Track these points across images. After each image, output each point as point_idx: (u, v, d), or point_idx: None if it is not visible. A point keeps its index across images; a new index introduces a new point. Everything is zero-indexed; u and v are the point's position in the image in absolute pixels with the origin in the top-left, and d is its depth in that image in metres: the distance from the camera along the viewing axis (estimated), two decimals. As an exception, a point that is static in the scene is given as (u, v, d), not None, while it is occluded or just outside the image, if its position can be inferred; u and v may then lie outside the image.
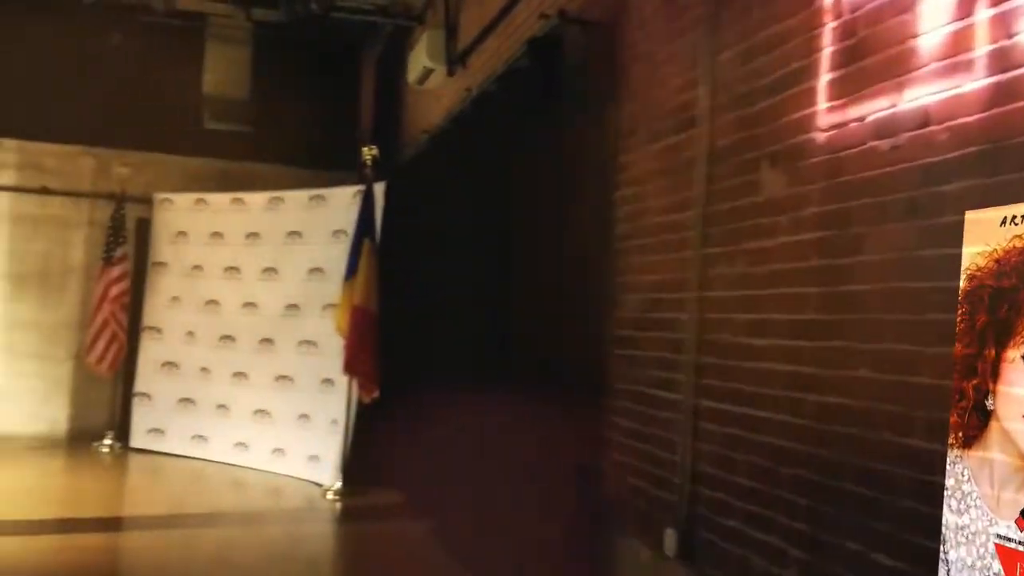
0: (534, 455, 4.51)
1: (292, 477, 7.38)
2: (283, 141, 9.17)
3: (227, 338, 8.13)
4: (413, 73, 7.85)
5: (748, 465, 3.22)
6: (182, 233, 8.57)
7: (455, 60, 7.18)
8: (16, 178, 8.93)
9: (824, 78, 2.93)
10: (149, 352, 8.54)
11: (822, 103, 2.94)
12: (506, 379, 5.10)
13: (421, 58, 7.46)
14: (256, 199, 8.26)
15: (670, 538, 3.62)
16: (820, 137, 2.93)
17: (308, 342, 7.62)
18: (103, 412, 8.60)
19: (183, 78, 9.07)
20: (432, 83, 7.68)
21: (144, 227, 8.84)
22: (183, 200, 8.63)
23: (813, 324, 2.89)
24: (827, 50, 2.92)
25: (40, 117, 8.83)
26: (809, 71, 3.00)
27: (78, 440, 8.66)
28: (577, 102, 4.50)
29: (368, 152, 6.95)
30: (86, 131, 8.95)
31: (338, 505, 6.66)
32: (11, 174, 8.93)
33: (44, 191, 8.95)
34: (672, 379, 3.76)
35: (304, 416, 7.51)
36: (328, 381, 7.33)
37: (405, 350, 6.95)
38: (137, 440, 8.41)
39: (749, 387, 3.20)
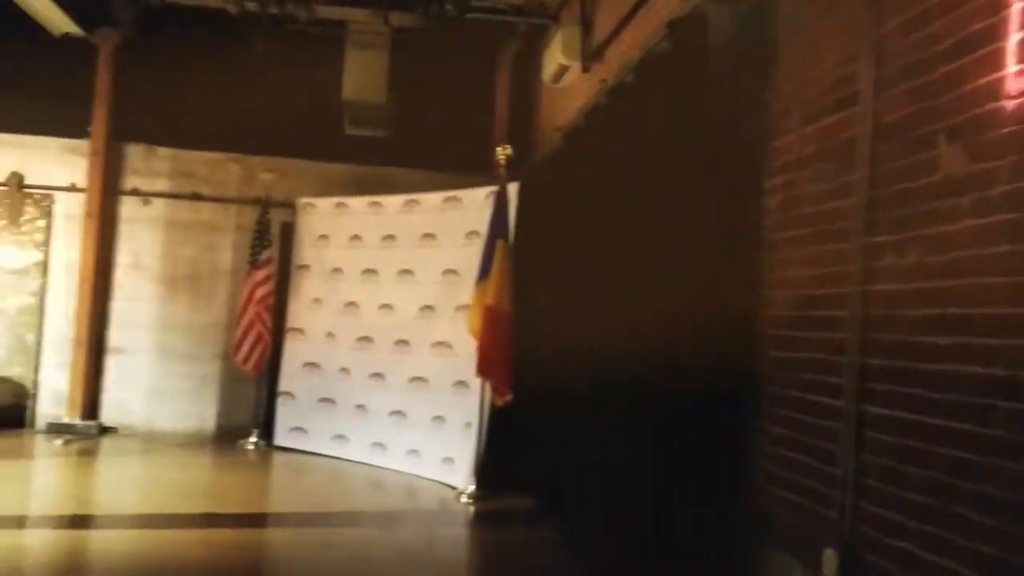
0: (675, 461, 4.24)
1: (427, 479, 7.35)
2: (419, 144, 9.21)
3: (365, 339, 8.21)
4: (548, 71, 7.72)
5: (922, 479, 2.86)
6: (324, 236, 8.72)
7: (590, 56, 7.00)
8: (169, 185, 9.34)
9: (1014, 38, 2.56)
10: (292, 352, 8.73)
11: (1011, 66, 2.57)
12: (643, 382, 4.85)
13: (556, 56, 7.32)
14: (392, 202, 8.31)
15: (830, 560, 3.29)
16: (1009, 105, 2.56)
17: (442, 343, 7.59)
18: (248, 410, 8.86)
19: (323, 85, 9.24)
20: (567, 80, 7.52)
21: (288, 231, 9.06)
22: (324, 204, 8.79)
23: (1005, 320, 2.52)
24: (1018, 5, 2.55)
25: (190, 126, 9.22)
26: (995, 31, 2.63)
27: (225, 437, 8.94)
28: (723, 85, 4.21)
29: (502, 152, 6.84)
30: (233, 139, 9.28)
31: (471, 508, 6.56)
32: (165, 181, 9.34)
33: (195, 197, 9.32)
34: (831, 383, 3.42)
35: (439, 418, 7.47)
36: (462, 383, 7.26)
37: (540, 352, 6.80)
38: (281, 438, 8.61)
39: (925, 392, 2.85)
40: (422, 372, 7.71)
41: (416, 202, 8.12)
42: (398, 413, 7.83)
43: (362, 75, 8.56)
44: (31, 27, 8.30)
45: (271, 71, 9.19)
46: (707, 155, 4.24)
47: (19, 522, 5.42)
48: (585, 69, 7.01)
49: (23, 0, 7.77)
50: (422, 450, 7.56)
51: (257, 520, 6.08)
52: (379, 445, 7.93)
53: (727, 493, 4.17)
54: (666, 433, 4.30)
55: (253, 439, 8.64)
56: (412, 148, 9.19)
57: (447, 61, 9.29)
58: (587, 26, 7.11)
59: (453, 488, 6.95)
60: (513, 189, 6.98)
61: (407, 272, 8.02)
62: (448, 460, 7.23)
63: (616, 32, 6.21)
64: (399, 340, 7.94)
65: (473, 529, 6.36)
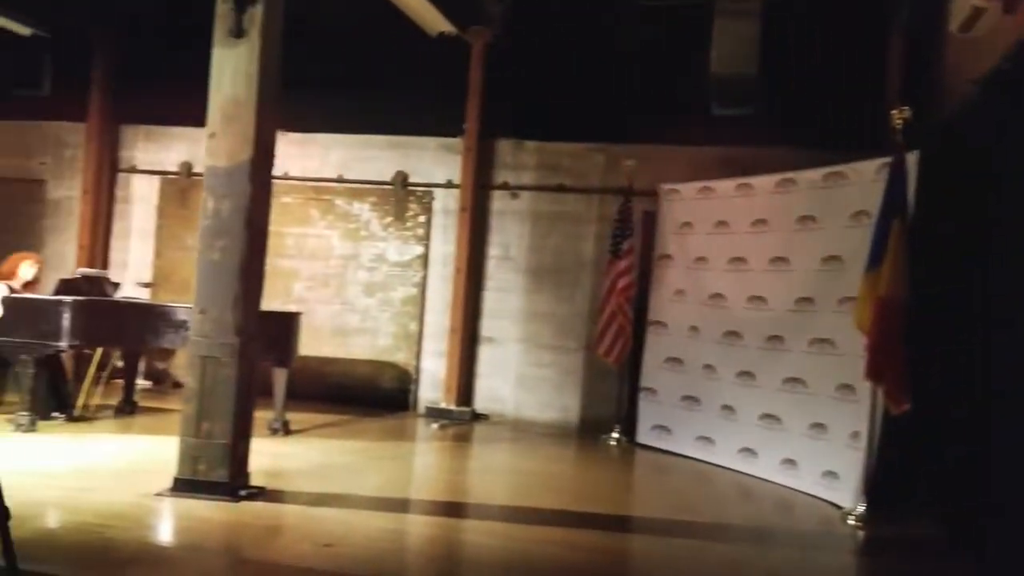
0: None
1: (804, 493, 6.55)
2: (792, 120, 8.35)
3: (732, 334, 7.57)
4: (957, 20, 6.50)
5: None
6: (687, 224, 8.23)
7: (1014, -7, 5.72)
8: (535, 178, 9.42)
9: None
10: (654, 346, 8.35)
11: None
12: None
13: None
14: (764, 183, 7.57)
15: None
16: None
17: (822, 340, 6.71)
18: (610, 404, 8.63)
19: (687, 66, 8.73)
20: (982, 27, 6.26)
21: (650, 220, 8.70)
22: (688, 190, 8.29)
23: None
24: None
25: (556, 118, 9.21)
26: None
27: (587, 430, 8.82)
28: None
29: (899, 116, 5.81)
30: (597, 128, 9.12)
31: (860, 533, 5.66)
32: (531, 174, 9.43)
33: (560, 189, 9.30)
34: None
35: (818, 425, 6.61)
36: (847, 387, 6.34)
37: (945, 353, 5.70)
38: (643, 436, 8.28)
39: None
40: (798, 373, 6.90)
41: (791, 181, 7.30)
42: (770, 417, 7.09)
43: (731, 47, 7.89)
44: (409, 29, 8.75)
45: (634, 56, 8.89)
46: None
47: (399, 505, 5.57)
48: (1008, 9, 5.74)
49: (401, 2, 8.19)
50: (799, 460, 6.76)
51: (621, 523, 5.75)
52: (748, 451, 7.26)
53: None
54: None
55: (615, 434, 8.39)
56: (784, 125, 8.34)
57: (827, 27, 8.32)
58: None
59: (837, 507, 6.08)
60: (912, 159, 5.93)
61: (781, 260, 7.24)
62: (830, 474, 6.36)
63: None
64: (771, 336, 7.20)
65: (864, 558, 5.46)
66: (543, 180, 9.40)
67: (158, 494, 5.12)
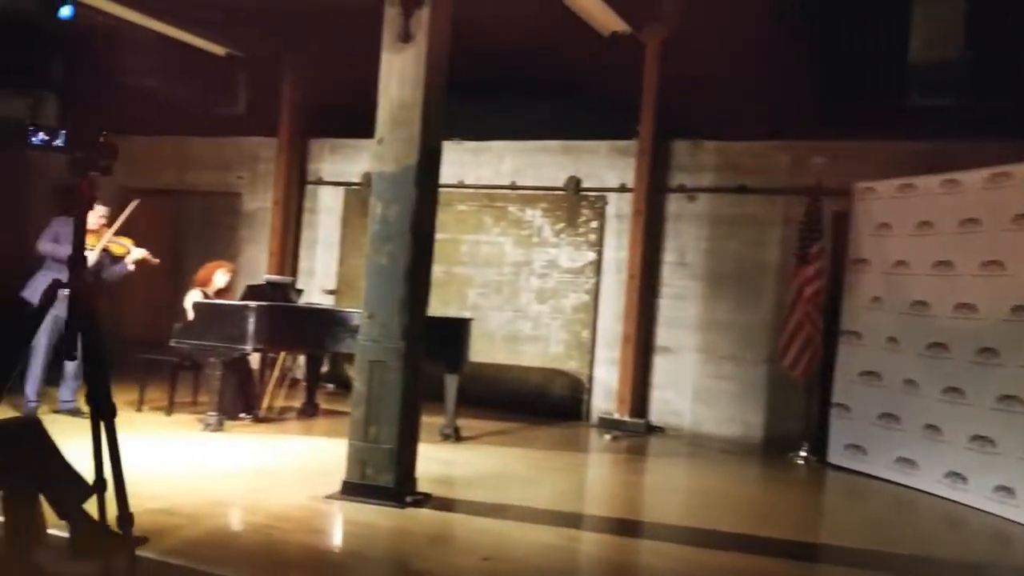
0: None
1: (1022, 525, 5.78)
2: (1005, 110, 7.47)
3: (937, 346, 6.84)
4: None
5: None
6: (884, 225, 7.53)
7: None
8: (715, 179, 8.98)
9: None
10: (847, 359, 7.70)
11: None
12: None
13: None
14: (973, 178, 6.80)
15: None
16: None
17: (1046, 354, 5.92)
18: (797, 420, 8.05)
19: (883, 52, 8.04)
20: None
21: (841, 221, 8.06)
22: (885, 188, 7.59)
23: None
24: None
25: (737, 116, 8.73)
26: None
27: (770, 448, 8.28)
28: None
29: None
30: (783, 124, 8.56)
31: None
32: (710, 176, 9.00)
33: (741, 190, 8.81)
34: None
35: (1042, 450, 5.83)
36: (1077, 407, 5.55)
37: None
38: (834, 456, 7.65)
39: None
40: (1015, 390, 6.12)
41: (1007, 175, 6.50)
42: (983, 439, 6.33)
43: (934, 29, 7.18)
44: (580, 30, 8.56)
45: (821, 45, 8.28)
46: None
47: (567, 520, 5.33)
48: None
49: (574, 3, 8.01)
50: (1016, 488, 5.98)
51: (811, 552, 5.26)
52: (956, 476, 6.51)
53: None
54: None
55: (803, 453, 7.81)
56: (995, 114, 7.48)
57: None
58: None
59: (1066, 544, 5.32)
60: None
61: (994, 264, 6.47)
62: (1057, 506, 5.58)
63: None
64: (983, 348, 6.43)
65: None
66: (722, 181, 8.94)
67: (328, 497, 5.15)
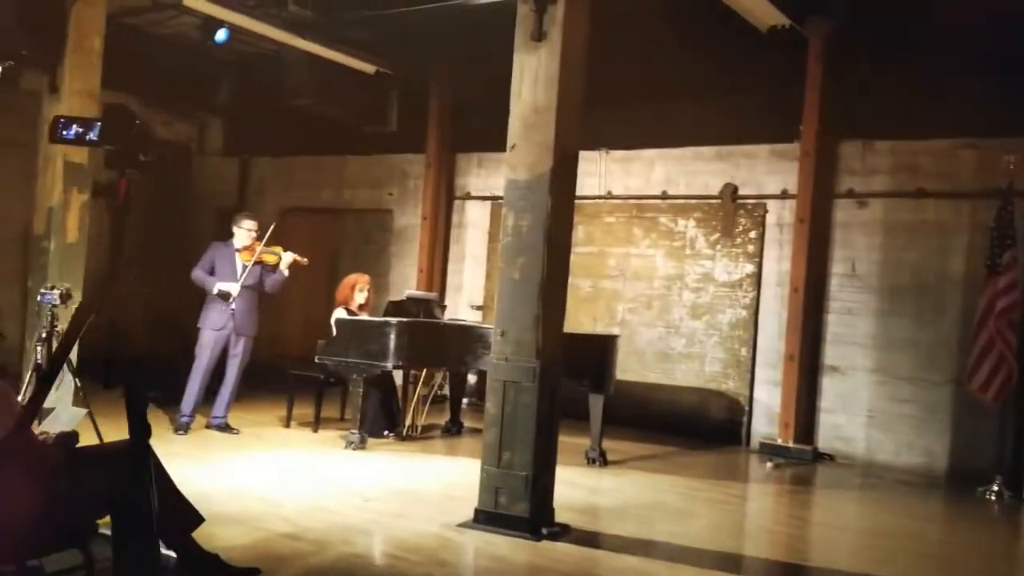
0: None
1: None
2: None
3: None
4: None
5: None
6: (1091, 229, 6.57)
7: None
8: (889, 183, 8.17)
9: None
10: (1047, 382, 6.76)
11: None
12: None
13: None
14: None
15: None
16: None
17: None
18: (988, 450, 7.15)
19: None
20: None
21: (1038, 227, 7.11)
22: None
23: None
24: None
25: (912, 113, 7.91)
26: None
27: (957, 481, 7.39)
28: None
29: None
30: (966, 120, 7.67)
31: None
32: (883, 179, 8.20)
33: (920, 194, 7.97)
34: None
35: None
36: None
37: None
38: (1033, 491, 6.72)
39: None
40: None
41: None
42: None
43: None
44: (736, 27, 7.99)
45: (1007, 26, 7.35)
46: None
47: (721, 561, 4.79)
48: None
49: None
50: None
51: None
52: None
53: None
54: None
55: (996, 487, 6.90)
56: None
57: None
58: None
59: None
60: None
61: None
62: None
63: None
64: None
65: None
66: (898, 185, 8.11)
67: (460, 525, 4.88)
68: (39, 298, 4.73)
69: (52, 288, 4.74)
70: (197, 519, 3.20)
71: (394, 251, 11.22)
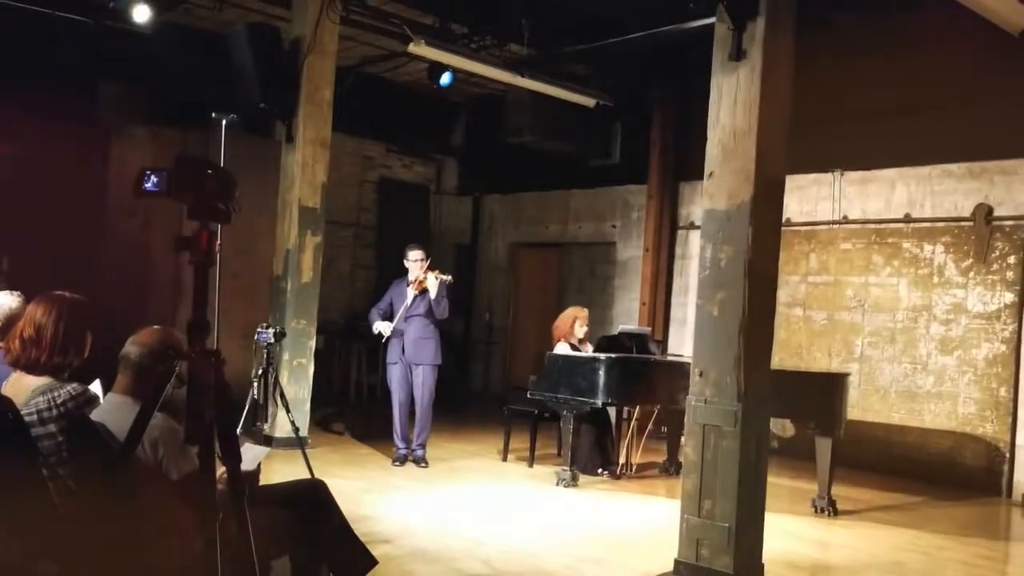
0: None
1: None
2: None
3: None
4: None
5: None
6: None
7: None
8: None
9: None
10: None
11: None
12: None
13: None
14: None
15: None
16: None
17: None
18: None
19: None
20: None
21: None
22: None
23: None
24: None
25: None
26: None
27: None
28: None
29: None
30: None
31: None
32: None
33: None
34: None
35: None
36: None
37: None
38: None
39: None
40: None
41: None
42: None
43: None
44: (985, 29, 7.15)
45: None
46: None
47: None
48: None
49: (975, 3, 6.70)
50: None
51: None
52: None
53: None
54: None
55: None
56: None
57: None
58: None
59: None
60: None
61: None
62: None
63: None
64: None
65: None
66: None
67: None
68: (256, 337, 5.07)
69: (267, 327, 5.07)
70: (371, 560, 3.23)
71: (618, 284, 11.10)
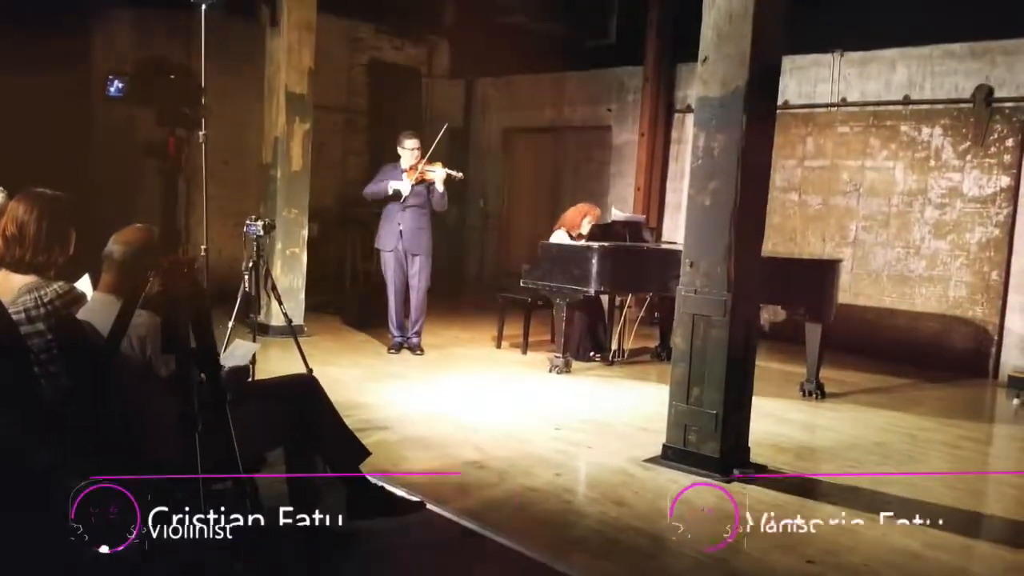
0: None
1: None
2: None
3: None
4: None
5: None
6: None
7: None
8: None
9: None
10: None
11: None
12: None
13: None
14: None
15: None
16: None
17: None
18: None
19: None
20: None
21: None
22: None
23: None
24: None
25: None
26: None
27: None
28: None
29: None
30: None
31: None
32: None
33: None
34: None
35: None
36: None
37: None
38: None
39: None
40: None
41: None
42: None
43: None
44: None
45: None
46: None
47: (949, 519, 4.04)
48: None
49: None
50: None
51: None
52: None
53: None
54: None
55: None
56: None
57: None
58: None
59: None
60: None
61: None
62: None
63: None
64: None
65: None
66: None
67: (647, 460, 4.74)
68: (245, 229, 5.04)
69: (256, 220, 5.04)
70: (364, 452, 3.30)
71: (614, 170, 10.97)
